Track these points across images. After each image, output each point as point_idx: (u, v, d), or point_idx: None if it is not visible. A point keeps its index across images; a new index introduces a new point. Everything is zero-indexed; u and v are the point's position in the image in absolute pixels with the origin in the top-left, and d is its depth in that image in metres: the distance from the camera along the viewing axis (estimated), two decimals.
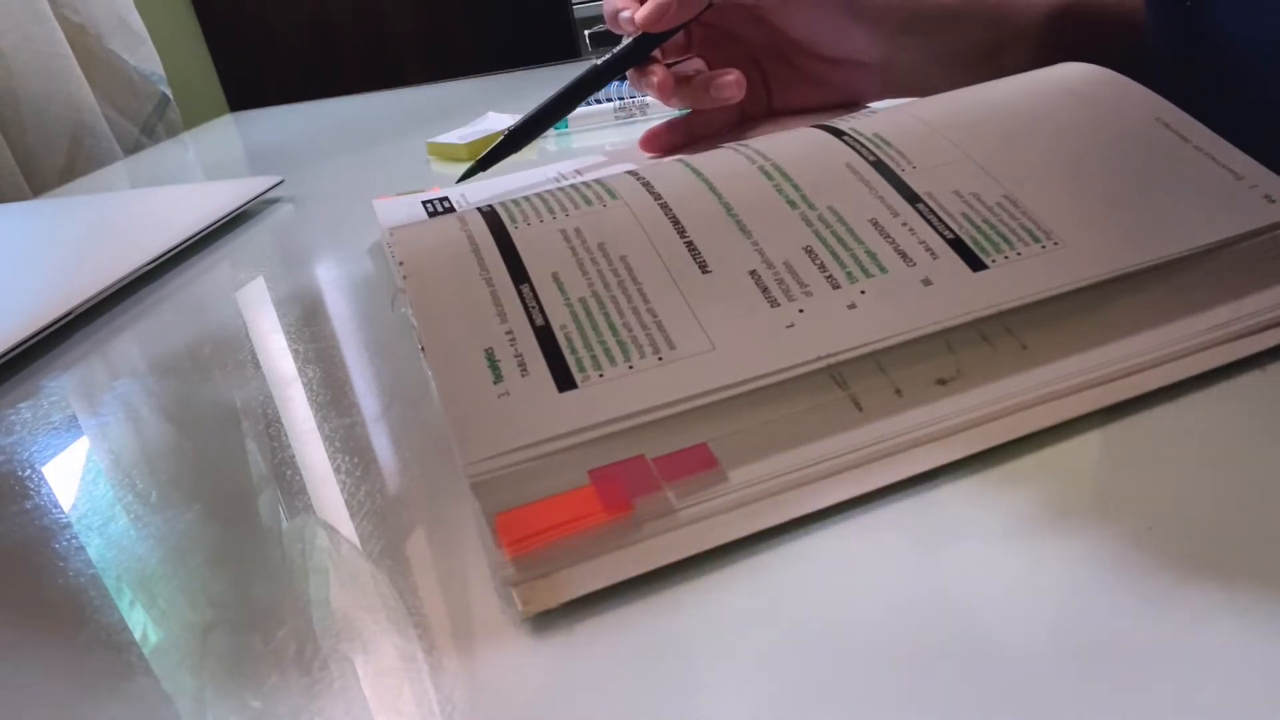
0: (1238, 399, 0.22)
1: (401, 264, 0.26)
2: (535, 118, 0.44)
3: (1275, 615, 0.16)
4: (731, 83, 0.43)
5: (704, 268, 0.25)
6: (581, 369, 0.22)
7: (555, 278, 0.25)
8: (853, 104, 0.46)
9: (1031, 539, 0.18)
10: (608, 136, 0.56)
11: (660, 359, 0.22)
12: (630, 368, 0.22)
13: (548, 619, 0.18)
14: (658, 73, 0.43)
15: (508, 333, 0.23)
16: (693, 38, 0.46)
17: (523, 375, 0.22)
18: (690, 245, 0.25)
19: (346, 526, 0.22)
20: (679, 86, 0.43)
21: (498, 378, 0.22)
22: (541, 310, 0.24)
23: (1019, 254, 0.24)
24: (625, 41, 0.43)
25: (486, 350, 0.23)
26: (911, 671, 0.16)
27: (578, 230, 0.26)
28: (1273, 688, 0.15)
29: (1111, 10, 0.42)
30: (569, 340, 0.23)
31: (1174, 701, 0.15)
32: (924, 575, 0.18)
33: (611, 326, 0.23)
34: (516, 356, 0.23)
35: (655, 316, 0.23)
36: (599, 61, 0.43)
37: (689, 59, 0.46)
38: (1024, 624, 0.17)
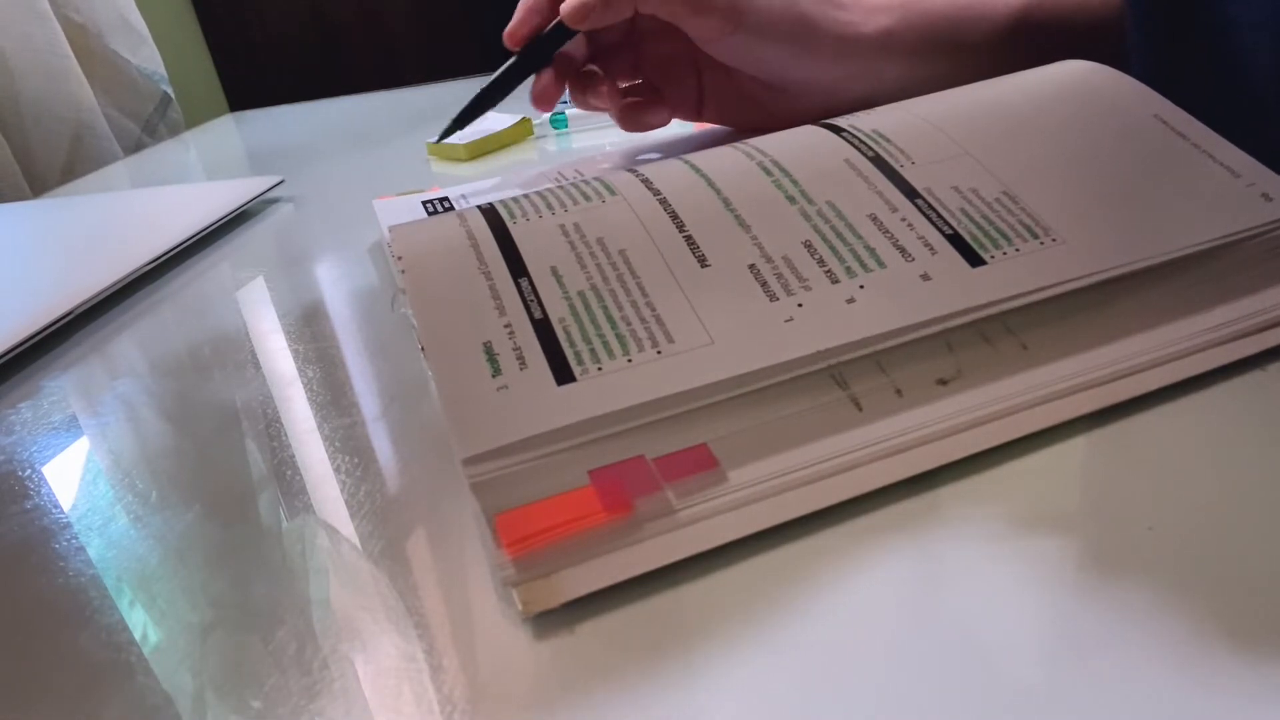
0: (1238, 399, 0.22)
1: (400, 259, 0.26)
2: (499, 81, 0.43)
3: (1276, 615, 0.16)
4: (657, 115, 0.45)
5: (703, 261, 0.25)
6: (580, 362, 0.22)
7: (554, 271, 0.25)
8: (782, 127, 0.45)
9: (1031, 539, 0.18)
10: (608, 136, 0.56)
11: (659, 352, 0.22)
12: (629, 361, 0.22)
13: (548, 619, 0.18)
14: (540, 80, 0.43)
15: (506, 326, 0.23)
16: (636, 23, 0.45)
17: (521, 369, 0.22)
18: (689, 239, 0.25)
19: (346, 526, 0.22)
20: (574, 93, 0.44)
21: (496, 371, 0.22)
22: (540, 304, 0.24)
23: (1017, 250, 0.24)
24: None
25: (485, 344, 0.23)
26: (910, 672, 0.16)
27: (576, 225, 0.26)
28: (1274, 686, 0.15)
29: (1069, 16, 0.42)
30: (567, 333, 0.23)
31: (1174, 703, 0.15)
32: (924, 575, 0.18)
33: (610, 320, 0.23)
34: (515, 350, 0.23)
35: (654, 310, 0.23)
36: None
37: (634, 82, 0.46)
38: (1023, 624, 0.16)
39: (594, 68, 0.45)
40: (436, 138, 0.44)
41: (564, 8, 0.40)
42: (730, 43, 0.41)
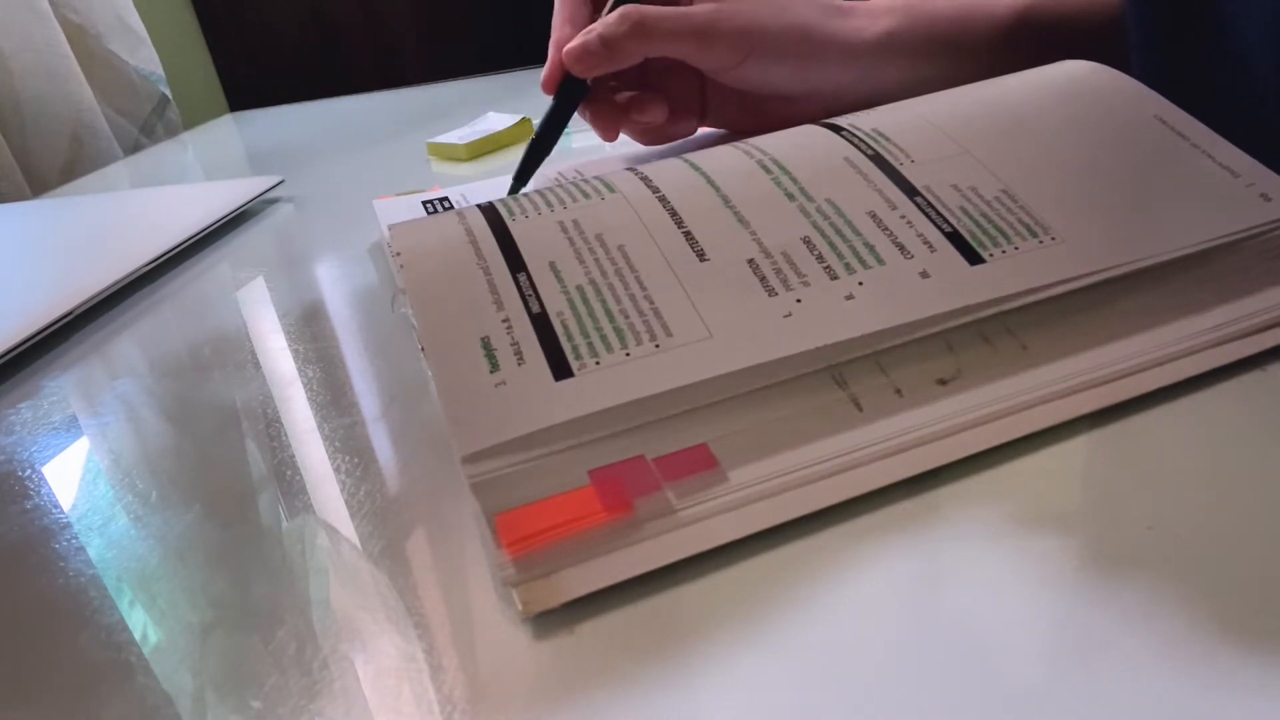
0: (1238, 399, 0.22)
1: (398, 254, 0.26)
2: (548, 125, 0.43)
3: (1275, 615, 0.16)
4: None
5: (701, 256, 0.25)
6: (578, 356, 0.22)
7: (552, 266, 0.25)
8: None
9: (1031, 539, 0.18)
10: None
11: (657, 346, 0.22)
12: (627, 355, 0.22)
13: (548, 619, 0.18)
14: (600, 116, 0.43)
15: (504, 320, 0.23)
16: None
17: (519, 364, 0.22)
18: (688, 235, 0.25)
19: (346, 526, 0.22)
20: (620, 119, 0.44)
21: (494, 367, 0.22)
22: (538, 298, 0.24)
23: (1016, 249, 0.24)
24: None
25: (483, 339, 0.23)
26: (910, 671, 0.16)
27: (575, 222, 0.26)
28: (1273, 686, 0.15)
29: (1070, 16, 0.42)
30: (565, 328, 0.23)
31: (1174, 702, 0.15)
32: (923, 575, 0.18)
33: (609, 314, 0.23)
34: (513, 345, 0.23)
35: (652, 304, 0.23)
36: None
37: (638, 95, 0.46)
38: (1023, 624, 0.17)
39: (618, 89, 0.45)
40: (509, 192, 0.43)
41: (565, 53, 0.40)
42: (741, 70, 0.41)
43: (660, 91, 0.46)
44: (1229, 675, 0.15)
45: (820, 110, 0.43)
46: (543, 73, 0.42)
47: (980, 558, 0.18)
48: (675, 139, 0.47)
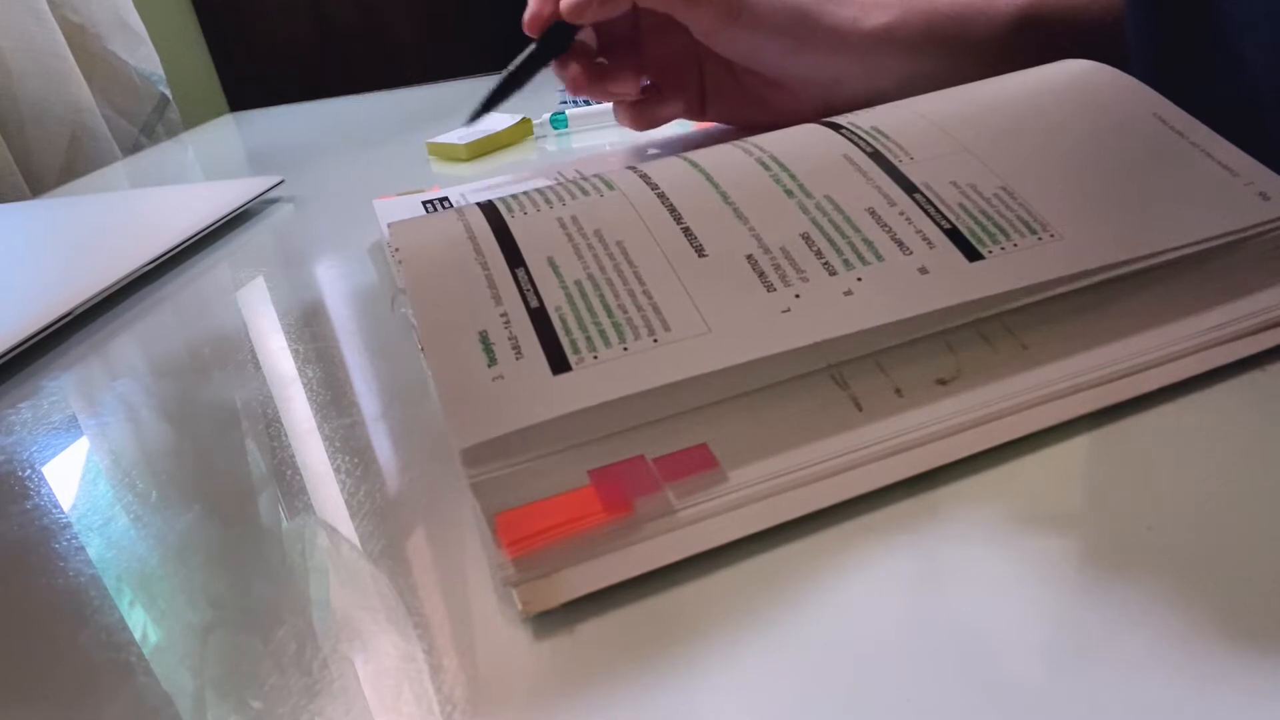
0: (1238, 399, 0.22)
1: (398, 251, 0.26)
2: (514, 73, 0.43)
3: (1275, 615, 0.16)
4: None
5: (700, 251, 0.25)
6: (576, 350, 0.22)
7: (551, 261, 0.25)
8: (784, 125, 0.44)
9: (1031, 539, 0.18)
10: (608, 136, 0.56)
11: (655, 341, 0.22)
12: (625, 349, 0.22)
13: (548, 619, 0.18)
14: (572, 68, 0.43)
15: (502, 315, 0.23)
16: (639, 21, 0.45)
17: (517, 359, 0.22)
18: (687, 231, 0.25)
19: (346, 526, 0.22)
20: (591, 83, 0.44)
21: (492, 361, 0.22)
22: (536, 292, 0.24)
23: (1015, 245, 0.24)
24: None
25: (481, 333, 0.23)
26: (910, 672, 0.16)
27: (574, 218, 0.26)
28: (1273, 685, 0.15)
29: (1071, 15, 0.42)
30: (564, 322, 0.23)
31: (1174, 702, 0.15)
32: (924, 575, 0.18)
33: (607, 308, 0.23)
34: (511, 339, 0.23)
35: (651, 299, 0.23)
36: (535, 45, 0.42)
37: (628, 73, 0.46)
38: (1024, 624, 0.16)
39: (602, 60, 0.45)
40: (466, 119, 0.43)
41: (563, 3, 0.41)
42: (728, 35, 0.41)
43: (659, 79, 0.46)
44: (1229, 675, 0.15)
45: (819, 102, 0.43)
46: (526, 13, 0.42)
47: (980, 558, 0.18)
48: (663, 121, 0.47)
